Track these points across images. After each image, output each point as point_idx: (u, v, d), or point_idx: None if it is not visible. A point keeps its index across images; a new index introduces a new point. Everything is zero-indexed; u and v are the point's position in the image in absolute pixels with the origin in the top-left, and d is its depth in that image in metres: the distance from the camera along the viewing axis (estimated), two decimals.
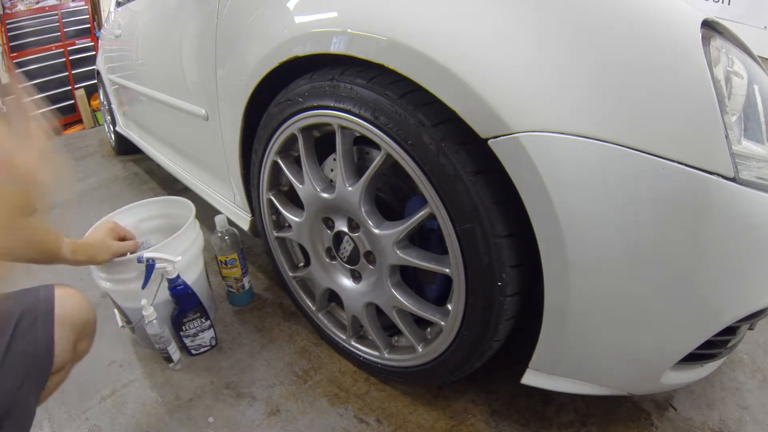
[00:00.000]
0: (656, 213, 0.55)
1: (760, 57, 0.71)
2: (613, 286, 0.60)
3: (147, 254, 0.99)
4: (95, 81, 3.01)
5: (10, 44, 3.67)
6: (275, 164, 0.96)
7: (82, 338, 0.80)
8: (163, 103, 1.51)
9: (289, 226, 1.02)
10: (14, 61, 3.66)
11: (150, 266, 1.00)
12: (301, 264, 1.13)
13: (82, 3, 4.10)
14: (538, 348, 0.70)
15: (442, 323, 0.78)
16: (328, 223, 0.93)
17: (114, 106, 2.51)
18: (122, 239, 1.03)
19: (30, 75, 3.76)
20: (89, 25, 4.10)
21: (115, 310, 1.21)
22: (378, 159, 0.74)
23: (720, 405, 0.92)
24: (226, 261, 1.22)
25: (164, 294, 1.06)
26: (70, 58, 3.96)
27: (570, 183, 0.55)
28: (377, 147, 0.75)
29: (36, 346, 0.70)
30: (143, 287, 1.02)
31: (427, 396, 0.97)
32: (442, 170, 0.65)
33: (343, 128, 0.78)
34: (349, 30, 0.69)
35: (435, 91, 0.61)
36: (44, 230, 0.81)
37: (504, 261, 0.65)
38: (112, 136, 2.88)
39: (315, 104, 0.80)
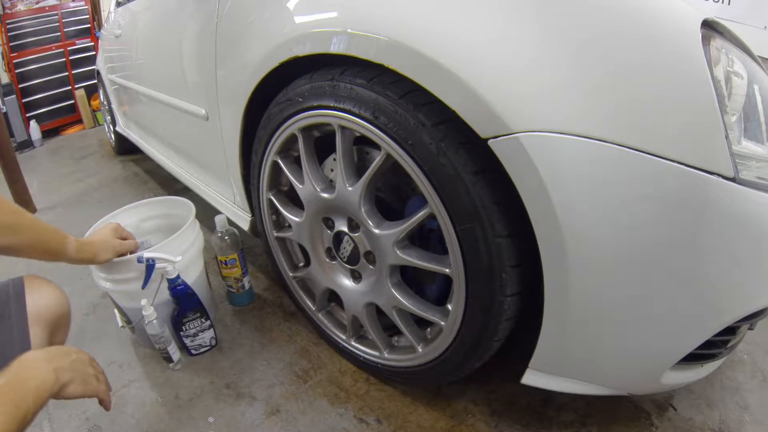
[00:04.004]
0: (656, 213, 0.55)
1: (760, 57, 0.71)
2: (612, 286, 0.60)
3: (147, 254, 0.99)
4: (95, 81, 3.01)
5: (10, 44, 3.66)
6: (275, 164, 0.96)
7: (57, 331, 0.79)
8: (163, 103, 1.50)
9: (289, 226, 1.02)
10: (14, 61, 3.65)
11: (150, 266, 1.00)
12: (301, 264, 1.12)
13: (82, 3, 4.09)
14: (538, 348, 0.70)
15: (442, 323, 0.78)
16: (328, 223, 0.93)
17: (114, 106, 2.51)
18: (124, 240, 1.03)
19: (30, 75, 3.76)
20: (89, 25, 4.09)
21: (115, 310, 1.21)
22: (378, 159, 0.74)
23: (720, 405, 0.92)
24: (226, 261, 1.22)
25: (164, 294, 1.06)
26: (70, 58, 3.95)
27: (570, 183, 0.55)
28: (377, 147, 0.75)
29: (13, 347, 0.69)
30: (143, 287, 1.02)
31: (427, 396, 0.97)
32: (442, 170, 0.65)
33: (343, 128, 0.78)
34: (349, 30, 0.69)
35: (435, 91, 0.61)
36: (51, 230, 0.81)
37: (504, 261, 0.65)
38: (112, 136, 2.88)
39: (315, 104, 0.80)
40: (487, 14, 0.58)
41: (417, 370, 0.88)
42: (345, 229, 0.89)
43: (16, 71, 3.69)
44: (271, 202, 1.03)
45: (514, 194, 0.59)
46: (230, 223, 1.25)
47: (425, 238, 0.84)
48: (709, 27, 0.59)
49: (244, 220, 1.22)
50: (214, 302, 1.30)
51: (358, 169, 0.82)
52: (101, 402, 0.69)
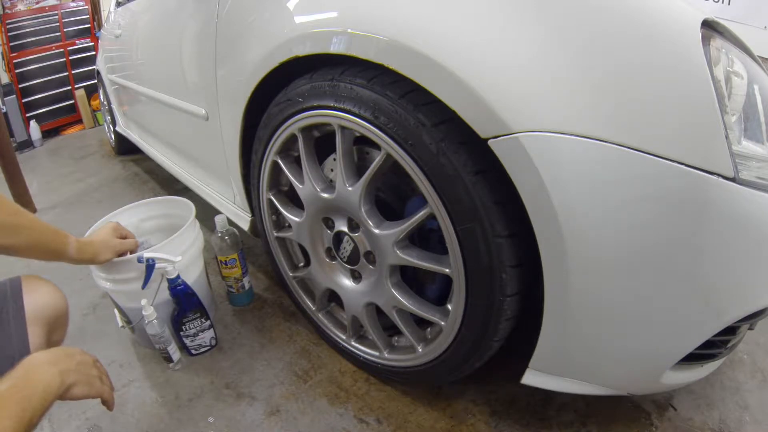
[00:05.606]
0: (656, 213, 0.55)
1: (760, 57, 0.71)
2: (612, 286, 0.60)
3: (147, 254, 0.99)
4: (95, 81, 3.01)
5: (10, 44, 3.66)
6: (275, 164, 0.96)
7: (55, 329, 0.79)
8: (163, 103, 1.50)
9: (289, 226, 1.02)
10: (14, 61, 3.65)
11: (150, 266, 1.00)
12: (301, 264, 1.12)
13: (82, 3, 4.09)
14: (538, 348, 0.70)
15: (442, 323, 0.78)
16: (328, 223, 0.93)
17: (114, 106, 2.51)
18: (124, 238, 1.03)
19: (30, 75, 3.76)
20: (89, 25, 4.09)
21: (115, 310, 1.21)
22: (378, 159, 0.74)
23: (720, 405, 0.92)
24: (226, 261, 1.22)
25: (164, 294, 1.06)
26: (70, 58, 3.95)
27: (570, 183, 0.55)
28: (377, 147, 0.75)
29: (11, 346, 0.69)
30: (143, 287, 1.02)
31: (427, 396, 0.97)
32: (442, 170, 0.65)
33: (343, 128, 0.78)
34: (349, 30, 0.69)
35: (435, 91, 0.61)
36: (51, 231, 0.81)
37: (504, 261, 0.65)
38: (112, 136, 2.88)
39: (315, 104, 0.80)
40: (487, 14, 0.58)
41: (417, 370, 0.88)
42: (345, 229, 0.89)
43: (16, 71, 3.68)
44: (271, 202, 1.03)
45: (514, 194, 0.60)
46: (230, 223, 1.25)
47: (425, 238, 0.84)
48: (709, 27, 0.59)
49: (244, 220, 1.22)
50: (214, 302, 1.30)
51: (358, 169, 0.82)
52: (104, 402, 0.69)
